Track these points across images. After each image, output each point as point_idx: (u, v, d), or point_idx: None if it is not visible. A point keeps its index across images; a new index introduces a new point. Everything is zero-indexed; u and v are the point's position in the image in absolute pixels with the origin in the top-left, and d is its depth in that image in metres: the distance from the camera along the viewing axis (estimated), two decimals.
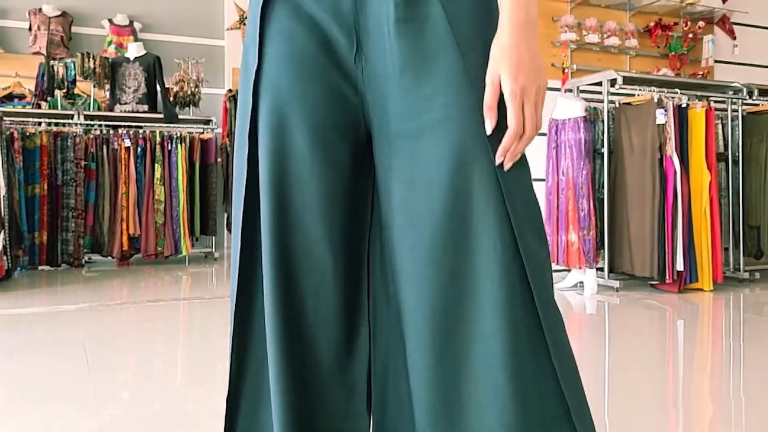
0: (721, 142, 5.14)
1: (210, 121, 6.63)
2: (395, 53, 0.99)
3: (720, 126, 5.14)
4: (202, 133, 6.39)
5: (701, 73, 5.51)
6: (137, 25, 7.18)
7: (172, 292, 4.69)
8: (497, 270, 0.93)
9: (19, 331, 3.38)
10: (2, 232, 4.45)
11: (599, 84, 4.64)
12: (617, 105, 4.69)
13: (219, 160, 6.82)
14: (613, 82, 4.55)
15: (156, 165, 5.92)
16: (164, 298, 4.33)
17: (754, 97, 5.09)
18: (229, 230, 7.19)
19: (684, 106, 4.54)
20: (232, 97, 7.08)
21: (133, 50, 6.31)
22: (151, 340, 3.23)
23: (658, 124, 4.40)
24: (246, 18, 1.36)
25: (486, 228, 0.94)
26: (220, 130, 6.91)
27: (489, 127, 0.95)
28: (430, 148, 0.97)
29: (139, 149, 5.91)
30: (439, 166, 0.96)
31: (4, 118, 5.15)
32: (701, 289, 4.58)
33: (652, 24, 5.36)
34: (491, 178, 0.95)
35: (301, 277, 1.04)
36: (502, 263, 0.93)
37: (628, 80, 4.60)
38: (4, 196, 4.52)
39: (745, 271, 5.08)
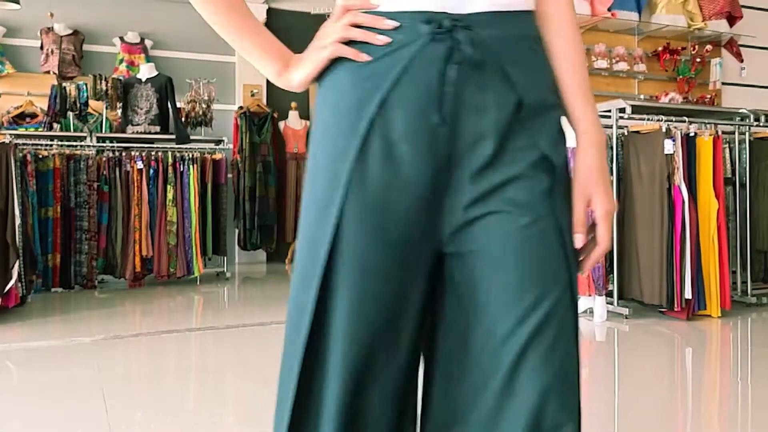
0: (728, 167, 5.16)
1: (221, 141, 6.68)
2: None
3: (727, 150, 5.16)
4: (214, 153, 6.44)
5: (709, 96, 5.53)
6: (148, 43, 7.24)
7: (185, 320, 4.75)
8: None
9: (35, 369, 3.44)
10: (18, 261, 4.51)
11: (608, 111, 4.67)
12: (626, 132, 4.72)
13: (230, 176, 6.87)
14: (622, 110, 4.58)
15: (168, 186, 5.97)
16: (178, 327, 4.38)
17: (762, 123, 5.11)
18: (241, 246, 7.25)
19: (692, 135, 4.57)
20: (243, 114, 7.14)
21: (145, 71, 6.36)
22: (166, 378, 3.28)
23: (667, 154, 4.43)
24: None
25: None
26: (231, 146, 6.95)
27: (580, 241, 0.97)
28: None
29: (151, 171, 5.96)
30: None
31: (17, 141, 5.21)
32: (709, 316, 4.61)
33: (660, 48, 5.40)
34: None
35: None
36: None
37: (636, 109, 4.63)
38: (18, 225, 4.58)
39: (753, 295, 5.11)
